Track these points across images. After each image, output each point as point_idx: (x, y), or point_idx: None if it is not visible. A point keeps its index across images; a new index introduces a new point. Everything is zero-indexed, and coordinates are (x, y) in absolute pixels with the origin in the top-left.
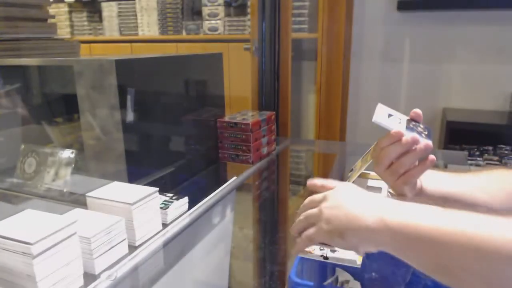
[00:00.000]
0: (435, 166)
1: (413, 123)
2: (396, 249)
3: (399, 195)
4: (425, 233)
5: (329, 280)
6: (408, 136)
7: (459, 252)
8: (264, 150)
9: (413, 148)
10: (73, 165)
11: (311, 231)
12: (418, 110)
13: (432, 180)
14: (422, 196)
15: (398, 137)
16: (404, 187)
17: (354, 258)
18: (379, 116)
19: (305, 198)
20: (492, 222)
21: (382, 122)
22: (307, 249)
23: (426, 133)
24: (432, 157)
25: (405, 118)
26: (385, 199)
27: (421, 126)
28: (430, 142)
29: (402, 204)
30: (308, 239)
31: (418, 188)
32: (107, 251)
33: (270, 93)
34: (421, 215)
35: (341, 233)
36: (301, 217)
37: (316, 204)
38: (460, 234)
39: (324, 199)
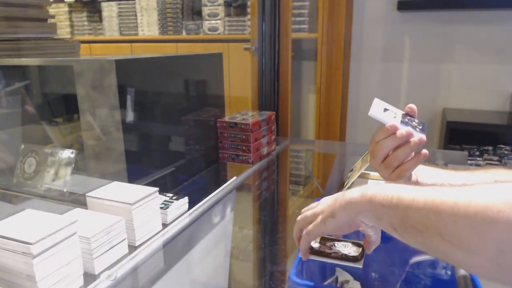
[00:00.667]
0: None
1: (408, 117)
2: (373, 214)
3: None
4: (396, 199)
5: (329, 280)
6: (402, 129)
7: (423, 213)
8: (264, 150)
9: (408, 141)
10: (73, 165)
11: (309, 226)
12: (412, 105)
13: (428, 174)
14: None
15: (393, 131)
16: (399, 181)
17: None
18: (375, 110)
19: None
20: (456, 189)
21: (377, 116)
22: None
23: (420, 127)
24: (425, 151)
25: (400, 112)
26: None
27: (416, 120)
28: (423, 136)
29: (382, 184)
30: (307, 234)
31: (413, 181)
32: (107, 251)
33: (270, 93)
34: (396, 188)
35: (332, 214)
36: (298, 219)
37: (310, 209)
38: (422, 195)
39: (316, 205)
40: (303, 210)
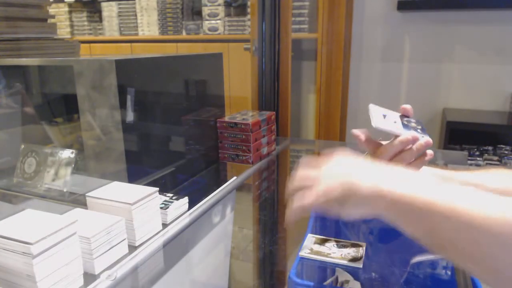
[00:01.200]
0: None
1: (406, 119)
2: (390, 217)
3: None
4: (418, 206)
5: (329, 280)
6: (408, 134)
7: (450, 229)
8: (264, 150)
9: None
10: (73, 165)
11: (307, 193)
12: (407, 106)
13: (429, 174)
14: None
15: (413, 142)
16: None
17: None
18: (378, 121)
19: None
20: (490, 200)
21: (383, 127)
22: (314, 246)
23: (420, 127)
24: (430, 152)
25: (397, 115)
26: (383, 167)
27: (413, 120)
28: (429, 139)
29: (399, 173)
30: (302, 202)
31: None
32: (107, 251)
33: (270, 93)
34: (417, 187)
35: (338, 202)
36: (297, 177)
37: (313, 170)
38: (453, 211)
39: (322, 165)
40: (302, 164)
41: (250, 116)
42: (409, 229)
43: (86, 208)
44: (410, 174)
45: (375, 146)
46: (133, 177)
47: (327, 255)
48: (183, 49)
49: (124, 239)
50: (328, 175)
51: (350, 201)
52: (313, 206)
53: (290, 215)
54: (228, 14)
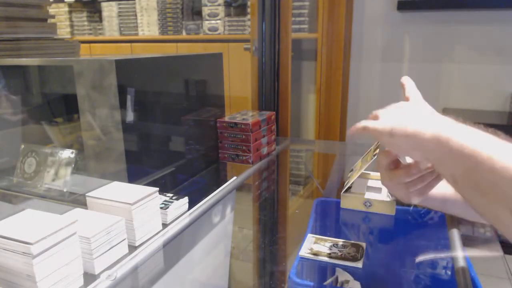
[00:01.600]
0: None
1: None
2: (441, 162)
3: (407, 202)
4: (469, 147)
5: (329, 280)
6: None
7: (497, 177)
8: (264, 150)
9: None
10: (73, 165)
11: (376, 119)
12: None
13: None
14: (426, 199)
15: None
16: (407, 194)
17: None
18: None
19: None
20: None
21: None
22: (314, 246)
23: None
24: None
25: None
26: (448, 120)
27: None
28: None
29: (463, 128)
30: (368, 124)
31: (423, 193)
32: (107, 251)
33: (270, 93)
34: (480, 141)
35: (391, 133)
36: (370, 116)
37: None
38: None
39: (396, 104)
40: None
41: (250, 116)
42: (448, 169)
43: (86, 208)
44: (471, 129)
45: (393, 161)
46: (133, 177)
47: (327, 255)
48: (183, 49)
49: (124, 239)
50: (395, 106)
51: (405, 139)
52: (376, 132)
53: (353, 128)
54: (228, 14)
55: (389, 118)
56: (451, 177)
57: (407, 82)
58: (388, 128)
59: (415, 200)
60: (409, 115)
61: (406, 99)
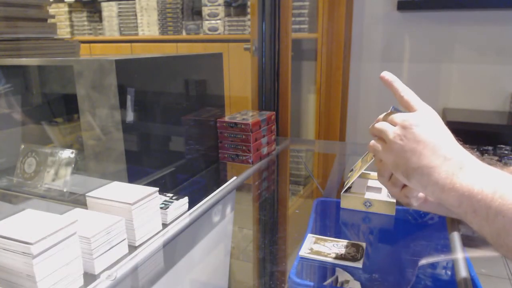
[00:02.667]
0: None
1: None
2: (460, 212)
3: (406, 205)
4: (496, 208)
5: (329, 280)
6: None
7: None
8: (264, 150)
9: None
10: (73, 165)
11: (379, 148)
12: (388, 77)
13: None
14: (426, 204)
15: None
16: (407, 200)
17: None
18: None
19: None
20: None
21: None
22: (314, 246)
23: None
24: None
25: None
26: (463, 153)
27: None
28: None
29: (480, 167)
30: (374, 151)
31: (421, 197)
32: (107, 251)
33: (270, 93)
34: (498, 186)
35: (407, 174)
36: (378, 125)
37: (395, 121)
38: None
39: (405, 121)
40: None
41: (250, 116)
42: (478, 224)
43: (86, 208)
44: (489, 169)
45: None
46: (133, 177)
47: (327, 255)
48: (183, 49)
49: (124, 239)
50: (407, 139)
51: (420, 181)
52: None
53: (370, 145)
54: (228, 14)
55: (398, 159)
56: (478, 231)
57: (392, 79)
58: (399, 172)
59: (415, 202)
60: (421, 160)
61: (405, 104)
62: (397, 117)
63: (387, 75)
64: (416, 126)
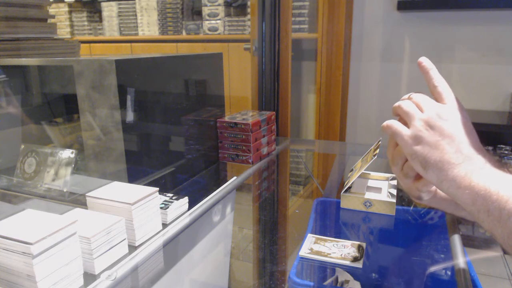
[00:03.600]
0: None
1: None
2: (472, 210)
3: (416, 199)
4: (509, 210)
5: (329, 280)
6: None
7: None
8: (264, 150)
9: None
10: (73, 165)
11: (400, 131)
12: (425, 62)
13: None
14: (436, 199)
15: None
16: (418, 193)
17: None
18: None
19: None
20: None
21: None
22: (314, 246)
23: None
24: None
25: None
26: (485, 154)
27: None
28: None
29: (499, 170)
30: (396, 130)
31: (432, 191)
32: (107, 251)
33: (270, 93)
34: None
35: (425, 165)
36: (405, 106)
37: (423, 108)
38: None
39: (435, 111)
40: (410, 98)
41: (250, 116)
42: (490, 223)
43: (86, 208)
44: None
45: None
46: (133, 177)
47: (327, 255)
48: (183, 49)
49: (124, 239)
50: (432, 128)
51: (437, 176)
52: (403, 147)
53: (385, 123)
54: (228, 14)
55: (423, 145)
56: (488, 230)
57: (430, 66)
58: (416, 161)
59: (426, 196)
60: (448, 152)
61: (437, 95)
62: (427, 104)
63: (425, 61)
64: (445, 120)
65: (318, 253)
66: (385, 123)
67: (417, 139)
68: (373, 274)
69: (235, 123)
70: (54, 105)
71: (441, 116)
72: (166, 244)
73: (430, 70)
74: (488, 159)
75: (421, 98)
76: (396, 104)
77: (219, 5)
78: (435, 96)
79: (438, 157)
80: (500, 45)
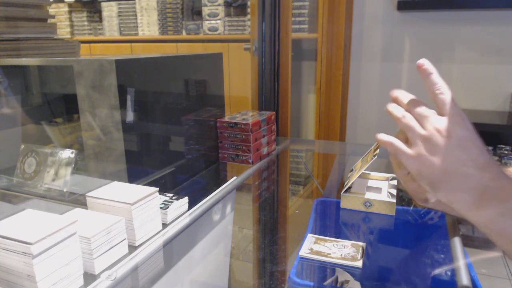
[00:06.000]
0: None
1: None
2: (484, 230)
3: (422, 202)
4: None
5: (329, 280)
6: None
7: None
8: (264, 150)
9: None
10: (73, 165)
11: (402, 149)
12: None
13: None
14: (441, 203)
15: None
16: (424, 196)
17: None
18: None
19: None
20: None
21: None
22: (314, 246)
23: None
24: None
25: None
26: (493, 173)
27: None
28: None
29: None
30: (398, 150)
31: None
32: (107, 251)
33: (270, 93)
34: None
35: (433, 186)
36: (406, 121)
37: (424, 119)
38: None
39: (436, 128)
40: (411, 107)
41: (250, 116)
42: (506, 246)
43: (86, 208)
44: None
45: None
46: (133, 177)
47: (327, 255)
48: (183, 49)
49: (124, 239)
50: (435, 146)
51: (446, 197)
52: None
53: (385, 138)
54: (228, 14)
55: (426, 164)
56: (500, 250)
57: (431, 70)
58: (424, 182)
59: (432, 199)
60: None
61: (439, 103)
62: (428, 118)
63: (426, 63)
64: (448, 138)
65: (318, 253)
66: (383, 138)
67: (420, 160)
68: (373, 274)
69: (235, 123)
70: (54, 105)
71: (443, 132)
72: (166, 244)
73: (432, 75)
74: (495, 173)
75: (422, 111)
76: (399, 115)
77: (219, 5)
78: (437, 104)
79: (444, 181)
80: (500, 45)
